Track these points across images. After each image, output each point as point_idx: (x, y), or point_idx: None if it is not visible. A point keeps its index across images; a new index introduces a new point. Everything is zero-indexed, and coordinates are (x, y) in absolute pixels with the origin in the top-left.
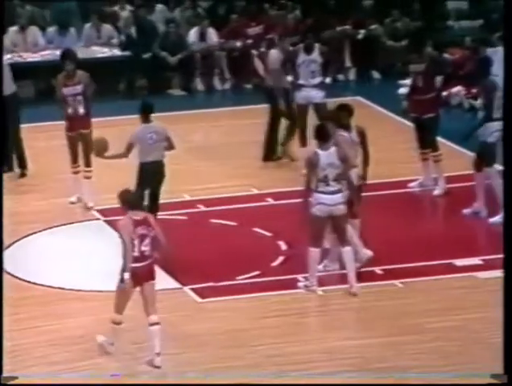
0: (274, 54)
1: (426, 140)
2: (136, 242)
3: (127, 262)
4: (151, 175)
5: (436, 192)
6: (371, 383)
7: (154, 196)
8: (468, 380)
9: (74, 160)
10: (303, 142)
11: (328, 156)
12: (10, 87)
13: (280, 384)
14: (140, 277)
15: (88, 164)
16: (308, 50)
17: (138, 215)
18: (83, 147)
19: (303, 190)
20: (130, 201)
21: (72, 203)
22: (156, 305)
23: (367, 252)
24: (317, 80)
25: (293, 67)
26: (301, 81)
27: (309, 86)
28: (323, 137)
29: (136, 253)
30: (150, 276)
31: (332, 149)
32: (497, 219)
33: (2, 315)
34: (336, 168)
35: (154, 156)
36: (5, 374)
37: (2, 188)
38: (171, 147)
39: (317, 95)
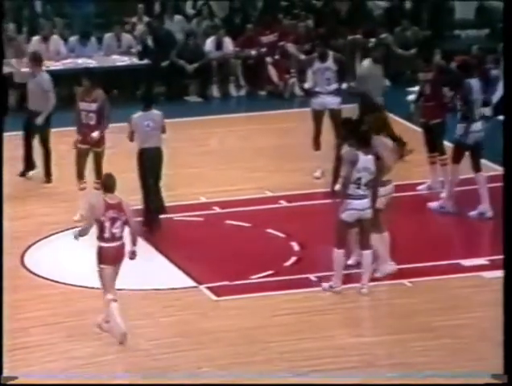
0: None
1: (433, 144)
2: (107, 224)
3: (84, 229)
4: (151, 161)
5: (444, 195)
6: (377, 382)
7: (156, 184)
8: (468, 380)
9: (81, 175)
10: (317, 147)
11: (366, 161)
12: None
13: (289, 384)
14: (111, 257)
15: (99, 176)
16: (323, 58)
17: (113, 199)
18: (95, 162)
19: (340, 190)
20: (106, 184)
21: (76, 221)
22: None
23: (392, 266)
24: (333, 86)
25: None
26: (317, 88)
27: (325, 93)
28: (365, 142)
29: (107, 235)
30: (121, 257)
31: (370, 156)
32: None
33: (3, 315)
34: (370, 173)
35: (153, 142)
36: (23, 369)
37: (1, 189)
38: (163, 131)
39: (333, 101)
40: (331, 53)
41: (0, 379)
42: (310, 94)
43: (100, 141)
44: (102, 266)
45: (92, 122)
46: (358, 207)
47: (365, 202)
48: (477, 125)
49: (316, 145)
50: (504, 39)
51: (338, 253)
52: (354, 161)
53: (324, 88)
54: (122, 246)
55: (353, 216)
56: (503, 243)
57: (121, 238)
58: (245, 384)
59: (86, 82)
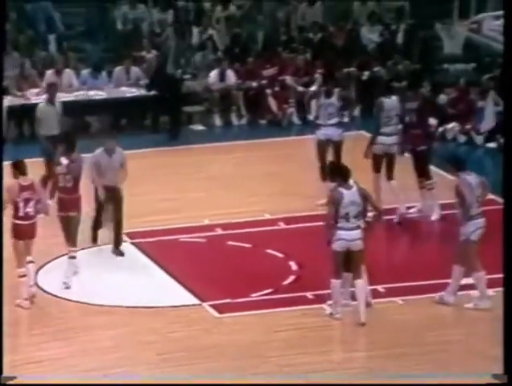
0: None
1: (422, 169)
2: (21, 204)
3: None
4: None
5: (433, 217)
6: (376, 383)
7: None
8: (469, 380)
9: (74, 243)
10: (324, 177)
11: (351, 195)
12: None
13: (289, 384)
14: (24, 233)
15: (73, 244)
16: (328, 94)
17: (26, 181)
18: (70, 228)
19: (325, 225)
20: (20, 168)
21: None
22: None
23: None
24: (334, 120)
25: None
26: (320, 121)
27: (327, 125)
28: (344, 176)
29: (21, 213)
30: (33, 233)
31: (354, 188)
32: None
33: (3, 316)
34: (358, 206)
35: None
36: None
37: (2, 202)
38: None
39: (335, 133)
40: (336, 90)
41: (0, 379)
42: (313, 125)
43: (77, 206)
44: (14, 240)
45: (70, 185)
46: (346, 237)
47: (355, 233)
48: (389, 139)
49: (323, 175)
50: (504, 62)
51: (335, 283)
52: (339, 199)
53: (325, 121)
54: (34, 224)
55: (342, 245)
56: (503, 262)
57: (33, 217)
58: (248, 384)
59: (69, 146)
